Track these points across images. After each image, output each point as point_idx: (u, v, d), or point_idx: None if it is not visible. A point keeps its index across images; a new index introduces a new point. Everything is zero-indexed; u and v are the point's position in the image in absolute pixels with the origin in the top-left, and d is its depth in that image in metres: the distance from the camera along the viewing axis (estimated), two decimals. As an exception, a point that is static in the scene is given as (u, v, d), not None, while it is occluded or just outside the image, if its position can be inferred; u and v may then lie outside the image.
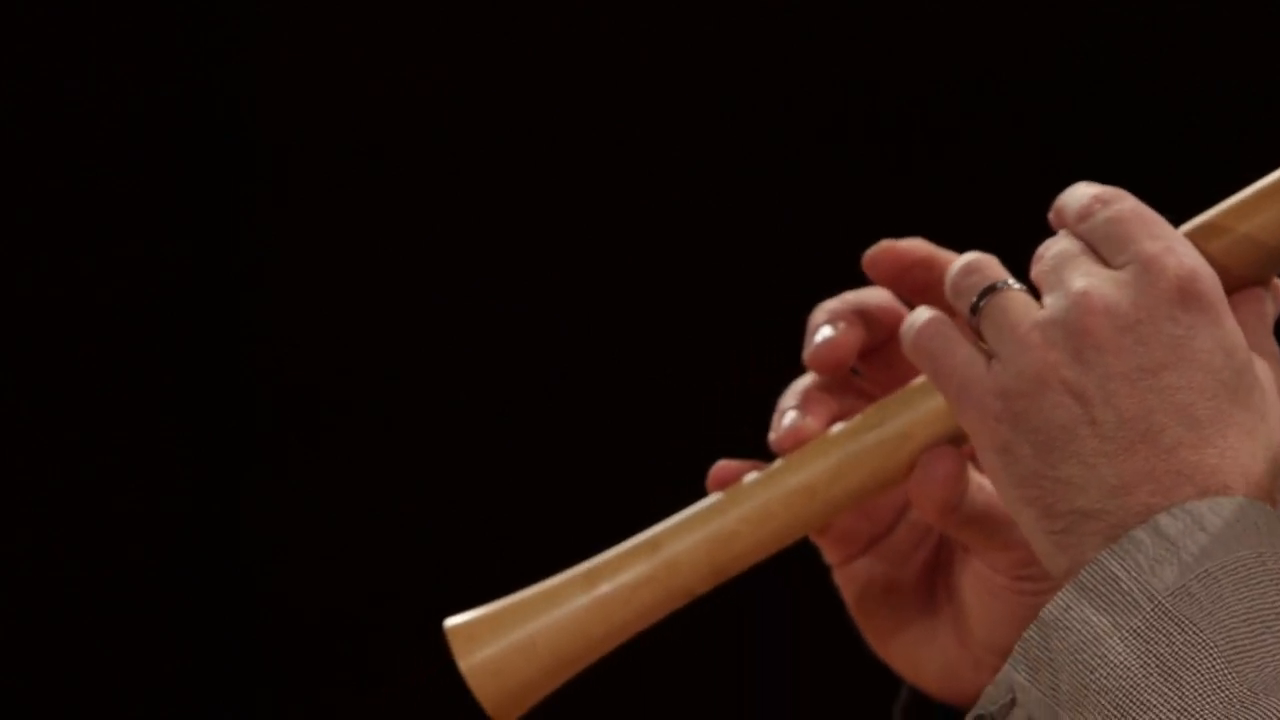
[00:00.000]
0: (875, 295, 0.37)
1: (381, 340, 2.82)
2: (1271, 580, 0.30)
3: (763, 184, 2.60)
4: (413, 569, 2.57)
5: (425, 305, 3.10)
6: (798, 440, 0.35)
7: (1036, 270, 0.33)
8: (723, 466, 0.36)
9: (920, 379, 0.35)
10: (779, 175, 2.61)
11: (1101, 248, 0.32)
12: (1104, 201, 0.32)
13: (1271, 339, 0.32)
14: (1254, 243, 0.31)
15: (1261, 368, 0.31)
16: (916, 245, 0.36)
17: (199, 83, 3.29)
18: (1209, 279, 0.30)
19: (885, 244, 0.36)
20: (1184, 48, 2.12)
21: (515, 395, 3.88)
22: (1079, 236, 0.32)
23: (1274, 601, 0.29)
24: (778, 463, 0.36)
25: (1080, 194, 0.32)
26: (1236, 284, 0.32)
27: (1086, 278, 0.31)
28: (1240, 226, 0.31)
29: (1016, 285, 0.34)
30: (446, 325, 3.25)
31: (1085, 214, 0.32)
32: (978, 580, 0.37)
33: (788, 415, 0.35)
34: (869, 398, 0.37)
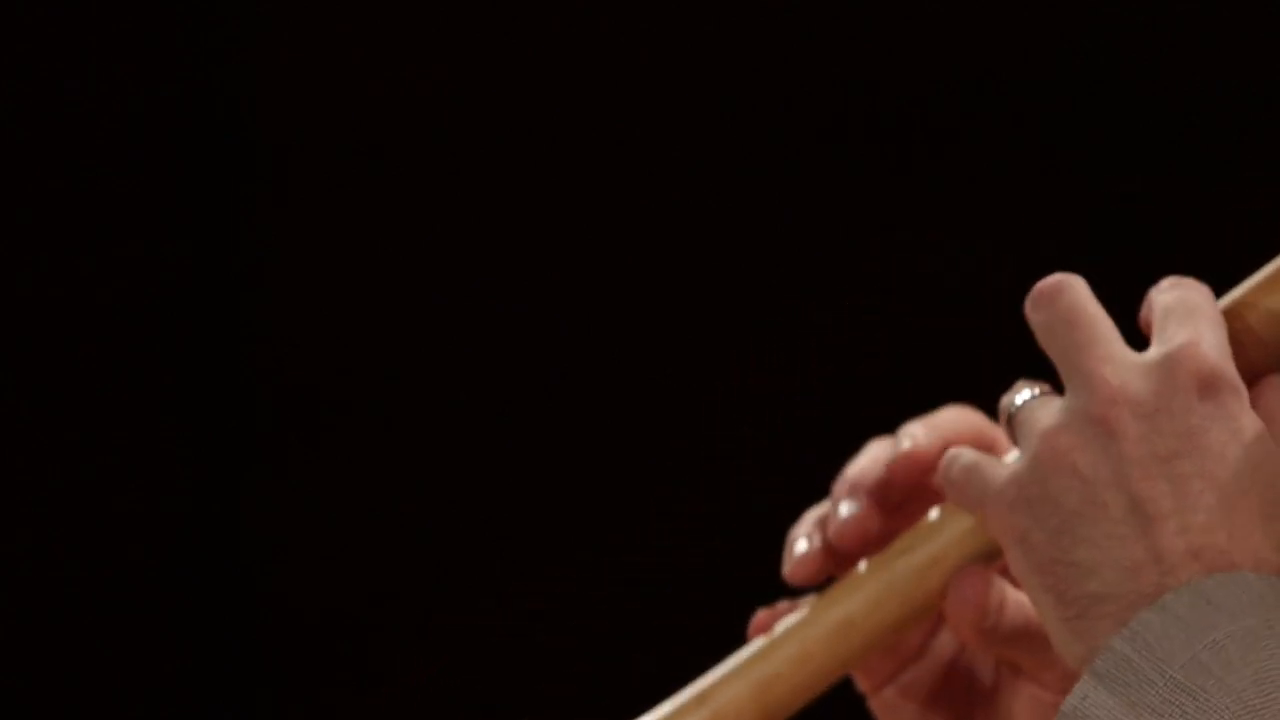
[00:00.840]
0: (961, 418, 0.38)
1: (381, 340, 2.82)
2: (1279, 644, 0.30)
3: (762, 184, 2.60)
4: (413, 569, 2.57)
5: (425, 305, 3.11)
6: (809, 568, 0.36)
7: (1049, 348, 0.34)
8: (762, 615, 0.36)
9: (939, 509, 0.36)
10: (778, 175, 2.61)
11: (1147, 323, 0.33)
12: (1169, 285, 0.33)
13: None
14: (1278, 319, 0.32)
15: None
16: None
17: (199, 82, 3.29)
18: (1230, 373, 0.31)
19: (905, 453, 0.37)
20: (1181, 48, 2.12)
21: (515, 395, 3.88)
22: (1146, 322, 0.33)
23: None
24: (813, 600, 0.36)
25: (1161, 288, 0.34)
26: (1265, 362, 0.32)
27: (1104, 364, 0.32)
28: (1265, 302, 0.32)
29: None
30: (446, 325, 3.25)
31: (1151, 301, 0.33)
32: (1030, 704, 0.37)
33: (798, 545, 0.36)
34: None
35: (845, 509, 0.37)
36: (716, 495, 3.83)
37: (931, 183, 3.83)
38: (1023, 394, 0.34)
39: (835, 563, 0.38)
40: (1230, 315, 0.32)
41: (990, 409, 0.42)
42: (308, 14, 2.89)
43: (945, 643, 0.37)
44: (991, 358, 2.31)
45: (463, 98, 3.41)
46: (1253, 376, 0.32)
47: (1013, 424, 0.33)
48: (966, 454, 0.34)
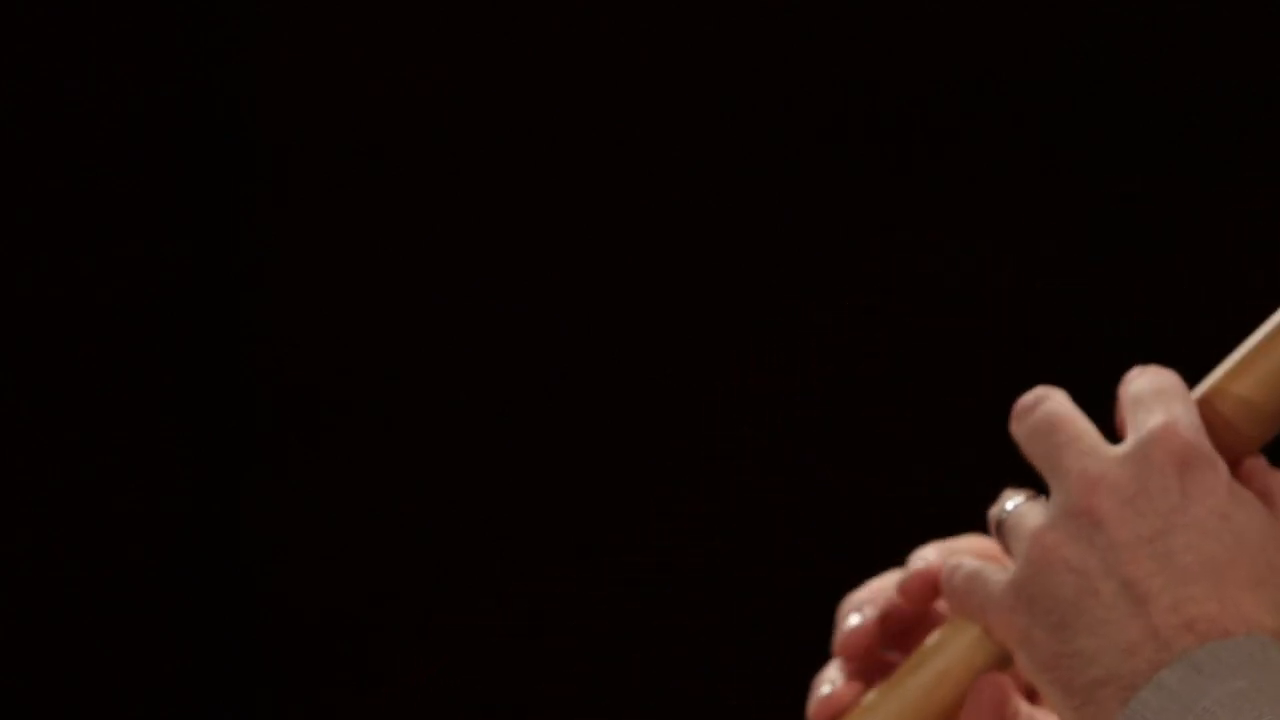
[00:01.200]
0: (978, 545, 0.38)
1: (382, 340, 2.82)
2: (1269, 703, 0.31)
3: (762, 184, 2.60)
4: (413, 569, 2.57)
5: (425, 305, 3.11)
6: (832, 709, 0.36)
7: (1031, 453, 0.35)
8: None
9: (947, 624, 0.36)
10: (779, 175, 2.61)
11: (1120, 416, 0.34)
12: (1133, 377, 0.34)
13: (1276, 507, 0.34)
14: (1251, 405, 0.33)
15: (1271, 529, 0.33)
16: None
17: (199, 82, 3.30)
18: (1205, 448, 0.32)
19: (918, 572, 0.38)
20: (1182, 47, 2.13)
21: (516, 395, 3.87)
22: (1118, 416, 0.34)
23: None
24: None
25: (1131, 377, 0.35)
26: (1238, 448, 0.33)
27: (1082, 458, 0.33)
28: (1234, 389, 0.33)
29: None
30: (446, 325, 3.25)
31: (1123, 389, 0.34)
32: None
33: (823, 688, 0.37)
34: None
35: (853, 620, 0.38)
36: (716, 495, 3.83)
37: (931, 183, 3.83)
38: (1011, 501, 0.35)
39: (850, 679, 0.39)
40: (1201, 404, 0.33)
41: (990, 412, 0.42)
42: (308, 14, 2.89)
43: None
44: (991, 358, 2.31)
45: (463, 98, 3.41)
46: (1228, 462, 0.33)
47: (1003, 531, 0.35)
48: (967, 562, 0.35)
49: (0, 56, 2.87)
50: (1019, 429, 0.34)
